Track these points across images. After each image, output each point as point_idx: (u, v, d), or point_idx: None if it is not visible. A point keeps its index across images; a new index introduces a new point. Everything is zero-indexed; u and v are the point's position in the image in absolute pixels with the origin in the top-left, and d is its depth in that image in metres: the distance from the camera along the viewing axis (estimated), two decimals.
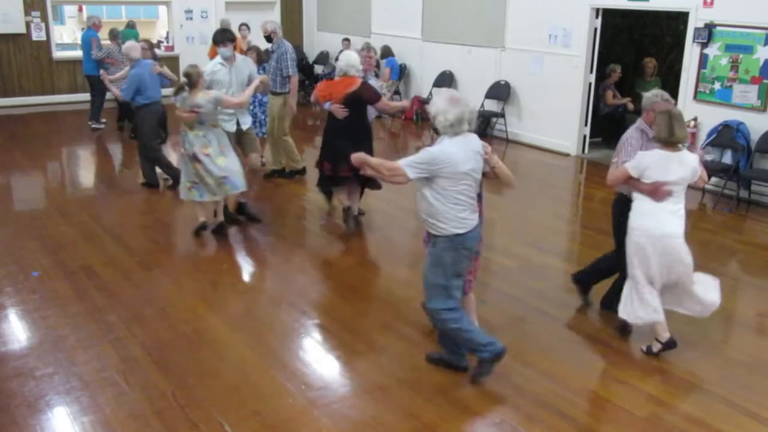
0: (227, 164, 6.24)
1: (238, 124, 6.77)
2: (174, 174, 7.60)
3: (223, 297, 5.39)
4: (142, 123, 7.85)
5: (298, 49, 12.74)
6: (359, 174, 6.43)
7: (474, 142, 3.92)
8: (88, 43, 10.69)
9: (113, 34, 10.74)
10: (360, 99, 6.34)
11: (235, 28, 10.01)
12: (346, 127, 6.38)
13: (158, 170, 7.94)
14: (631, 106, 9.89)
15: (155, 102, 7.69)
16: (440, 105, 3.80)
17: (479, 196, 4.21)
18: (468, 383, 4.14)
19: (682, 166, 4.25)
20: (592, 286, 5.17)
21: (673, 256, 4.32)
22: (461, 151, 3.81)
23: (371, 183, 6.61)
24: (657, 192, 4.24)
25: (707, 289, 4.51)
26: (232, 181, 6.26)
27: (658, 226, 4.28)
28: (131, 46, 7.82)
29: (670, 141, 4.21)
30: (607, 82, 10.03)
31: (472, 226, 3.90)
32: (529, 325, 4.93)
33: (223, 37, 6.55)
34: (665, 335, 4.44)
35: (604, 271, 5.07)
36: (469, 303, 4.49)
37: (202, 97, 6.06)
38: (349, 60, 6.40)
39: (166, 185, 7.92)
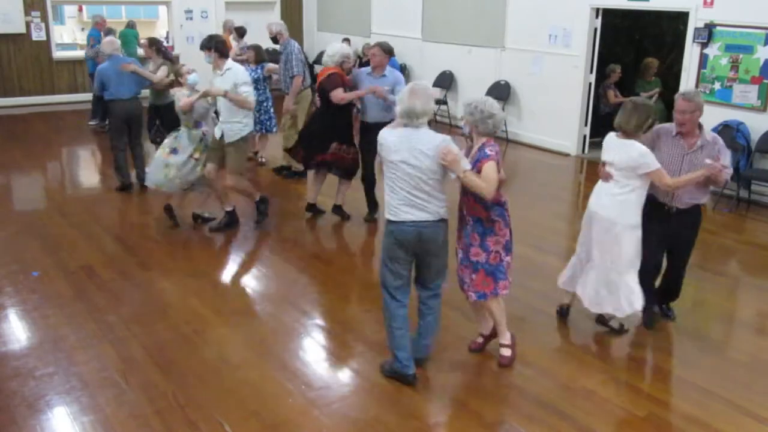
0: (160, 157, 6.39)
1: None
2: (122, 180, 7.83)
3: (223, 297, 5.39)
4: (109, 119, 8.13)
5: None
6: (339, 163, 6.61)
7: (421, 139, 3.81)
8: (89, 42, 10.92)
9: (107, 34, 10.85)
10: (323, 89, 6.47)
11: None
12: (320, 116, 6.68)
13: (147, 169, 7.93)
14: None
15: (121, 100, 7.56)
16: (401, 94, 3.91)
17: (483, 201, 4.12)
18: (468, 383, 4.15)
19: (621, 152, 4.37)
20: (655, 303, 4.94)
21: (599, 236, 4.50)
22: (397, 142, 3.84)
23: (346, 174, 6.82)
24: (598, 171, 4.58)
25: (630, 294, 4.45)
26: (148, 174, 6.74)
27: (594, 204, 4.59)
28: (107, 41, 7.93)
29: (615, 124, 4.46)
30: (608, 82, 10.02)
31: (402, 218, 3.88)
32: (529, 325, 4.93)
33: (201, 44, 6.25)
34: (563, 303, 4.98)
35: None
36: (475, 307, 4.48)
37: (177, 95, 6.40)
38: (329, 51, 6.56)
39: (115, 188, 7.91)
